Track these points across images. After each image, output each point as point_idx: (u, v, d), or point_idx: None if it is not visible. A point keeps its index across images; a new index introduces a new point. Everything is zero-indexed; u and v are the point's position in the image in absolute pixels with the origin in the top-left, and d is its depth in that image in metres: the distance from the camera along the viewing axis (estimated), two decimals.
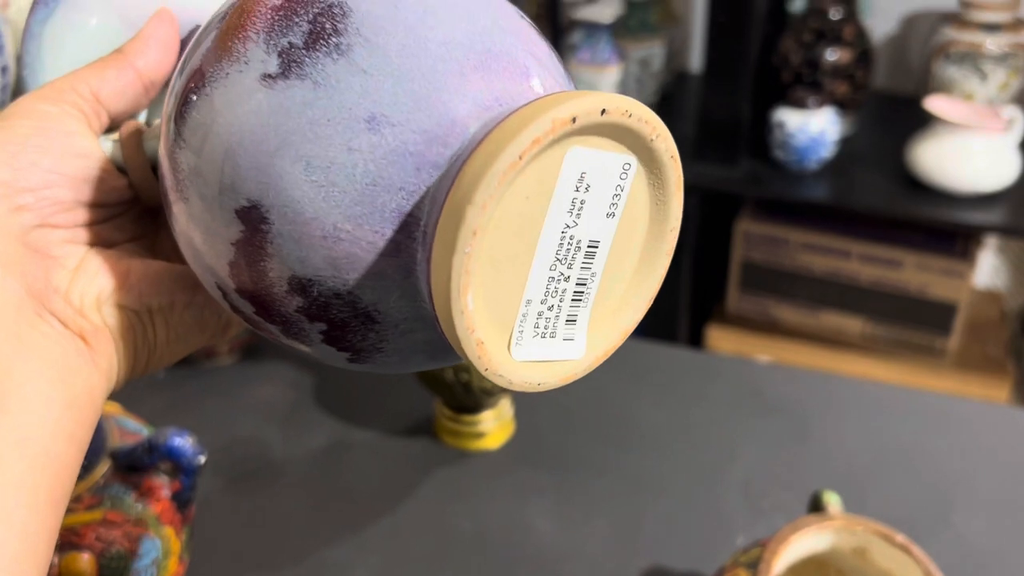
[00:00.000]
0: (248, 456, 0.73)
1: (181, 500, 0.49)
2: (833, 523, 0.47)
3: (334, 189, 0.26)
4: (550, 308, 0.28)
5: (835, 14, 1.66)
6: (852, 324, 1.77)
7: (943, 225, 1.54)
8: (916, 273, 1.67)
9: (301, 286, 0.28)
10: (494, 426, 0.72)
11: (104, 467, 0.47)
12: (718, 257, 1.95)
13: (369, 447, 0.74)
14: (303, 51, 0.27)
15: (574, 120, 0.24)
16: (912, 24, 1.90)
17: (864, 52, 1.68)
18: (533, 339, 0.28)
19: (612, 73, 1.70)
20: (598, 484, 0.69)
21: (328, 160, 0.26)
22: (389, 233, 0.27)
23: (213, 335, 0.35)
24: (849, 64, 1.67)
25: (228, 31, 0.28)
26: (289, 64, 0.27)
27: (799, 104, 1.58)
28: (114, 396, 0.84)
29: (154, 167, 0.34)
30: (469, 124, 0.27)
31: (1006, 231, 1.54)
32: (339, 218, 0.26)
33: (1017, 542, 0.63)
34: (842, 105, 1.70)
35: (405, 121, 0.26)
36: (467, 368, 0.65)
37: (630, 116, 0.26)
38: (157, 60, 0.34)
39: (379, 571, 0.62)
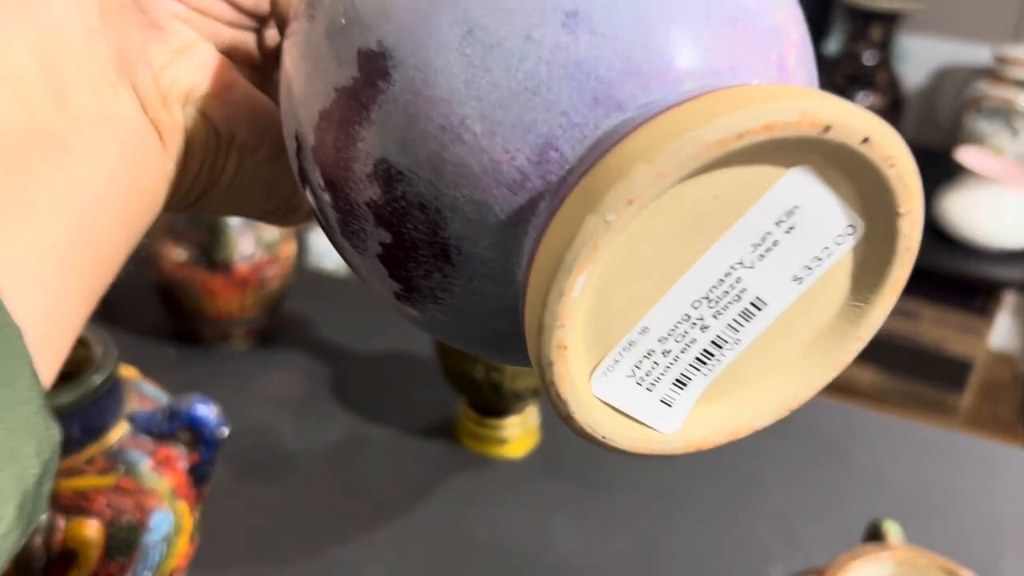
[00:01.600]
0: (259, 445, 0.70)
1: (198, 474, 0.46)
2: (894, 554, 0.44)
3: (485, 75, 0.20)
4: (665, 353, 0.21)
5: (869, 59, 1.65)
6: (864, 374, 1.74)
7: (966, 278, 1.52)
8: (933, 327, 1.64)
9: (387, 175, 0.22)
10: (519, 432, 0.68)
11: (121, 430, 0.44)
12: None
13: (385, 444, 0.70)
14: None
15: (826, 129, 0.18)
16: (944, 77, 1.89)
17: (896, 99, 1.67)
18: (625, 379, 0.21)
19: None
20: (623, 501, 0.66)
21: (496, 38, 0.20)
22: (522, 160, 0.20)
23: (275, 210, 0.30)
24: (881, 110, 1.66)
25: None
26: None
27: None
28: (127, 363, 0.81)
29: None
30: (685, 79, 0.20)
31: None
32: (473, 113, 0.20)
33: None
34: None
35: (612, 35, 0.20)
36: (500, 367, 0.62)
37: (893, 167, 0.19)
38: None
39: (389, 573, 0.59)
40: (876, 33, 1.62)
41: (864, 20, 1.61)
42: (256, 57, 0.30)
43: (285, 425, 0.72)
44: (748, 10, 0.21)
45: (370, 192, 0.22)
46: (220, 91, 0.27)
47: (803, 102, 0.18)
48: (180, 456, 0.45)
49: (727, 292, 0.20)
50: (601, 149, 0.19)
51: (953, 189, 1.54)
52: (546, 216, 0.20)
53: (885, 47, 1.65)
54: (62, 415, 0.40)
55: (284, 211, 0.31)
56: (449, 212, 0.21)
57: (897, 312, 1.66)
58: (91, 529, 0.40)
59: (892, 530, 0.47)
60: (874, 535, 0.48)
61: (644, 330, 0.21)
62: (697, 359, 0.22)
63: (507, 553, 0.61)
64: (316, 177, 0.24)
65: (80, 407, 0.41)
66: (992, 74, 1.65)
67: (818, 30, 1.77)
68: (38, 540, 0.39)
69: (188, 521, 0.45)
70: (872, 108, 1.66)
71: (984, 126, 1.64)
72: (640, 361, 0.21)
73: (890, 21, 1.61)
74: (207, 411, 0.45)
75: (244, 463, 0.68)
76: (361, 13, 0.22)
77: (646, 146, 0.18)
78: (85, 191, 0.24)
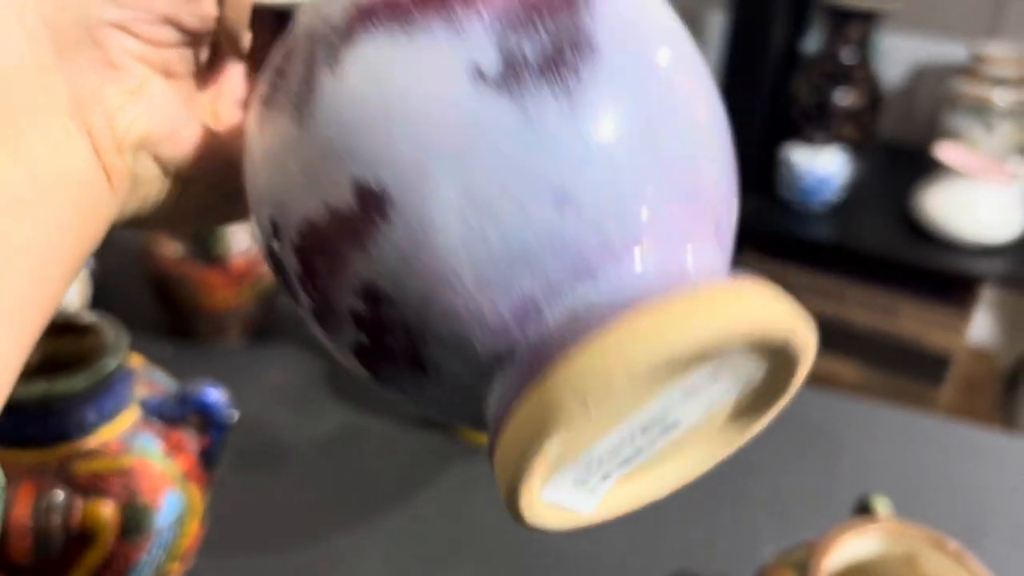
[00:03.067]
0: (256, 438, 0.70)
1: (209, 458, 0.47)
2: (883, 527, 0.46)
3: (479, 236, 0.22)
4: (600, 463, 0.25)
5: (847, 58, 1.67)
6: (845, 369, 1.77)
7: (945, 272, 1.55)
8: (912, 322, 1.67)
9: (375, 297, 0.23)
10: None
11: (133, 415, 0.45)
12: None
13: (383, 437, 0.71)
14: (530, 70, 0.22)
15: (760, 336, 0.22)
16: (921, 74, 1.92)
17: (874, 96, 1.70)
18: (565, 485, 0.25)
19: None
20: None
21: (490, 205, 0.22)
22: (505, 312, 0.23)
23: (207, 227, 0.31)
24: (859, 107, 1.69)
25: None
26: (509, 75, 0.22)
27: (808, 144, 1.59)
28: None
29: (256, 12, 0.28)
30: (650, 251, 0.23)
31: (1008, 282, 1.54)
32: (465, 268, 0.22)
33: None
34: (849, 148, 1.71)
35: (594, 216, 0.22)
36: None
37: (803, 351, 0.24)
38: None
39: (388, 564, 0.60)
40: (854, 32, 1.65)
41: (842, 19, 1.64)
42: (191, 68, 0.29)
43: (282, 418, 0.73)
44: (699, 189, 0.25)
45: (354, 303, 0.24)
46: (172, 133, 0.27)
47: (744, 319, 0.22)
48: (191, 440, 0.46)
49: (657, 421, 0.25)
50: (579, 322, 0.22)
51: (930, 185, 1.57)
52: (523, 366, 0.23)
53: (863, 45, 1.68)
54: (77, 400, 0.41)
55: (216, 225, 0.31)
56: (431, 339, 0.23)
57: (876, 307, 1.69)
58: (107, 510, 0.41)
59: (881, 504, 0.49)
60: (863, 510, 0.49)
61: (589, 454, 0.24)
62: (622, 462, 0.26)
63: (504, 543, 0.62)
64: (294, 267, 0.25)
65: (94, 392, 0.42)
66: (968, 71, 1.68)
67: (796, 29, 1.80)
68: (57, 520, 0.39)
69: (199, 503, 0.46)
70: (850, 106, 1.68)
71: (961, 122, 1.67)
72: (581, 472, 0.25)
73: (868, 20, 1.64)
74: (217, 396, 0.46)
75: (242, 456, 0.69)
76: (359, 149, 0.23)
77: (624, 349, 0.21)
78: (36, 246, 0.23)
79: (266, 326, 0.84)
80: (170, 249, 0.76)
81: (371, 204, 0.23)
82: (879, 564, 0.48)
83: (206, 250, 0.75)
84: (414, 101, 0.22)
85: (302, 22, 0.26)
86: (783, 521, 0.65)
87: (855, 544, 0.46)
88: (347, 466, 0.69)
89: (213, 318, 0.79)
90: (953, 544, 0.45)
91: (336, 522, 0.63)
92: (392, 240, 0.22)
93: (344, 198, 0.23)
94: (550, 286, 0.22)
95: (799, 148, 1.60)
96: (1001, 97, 1.64)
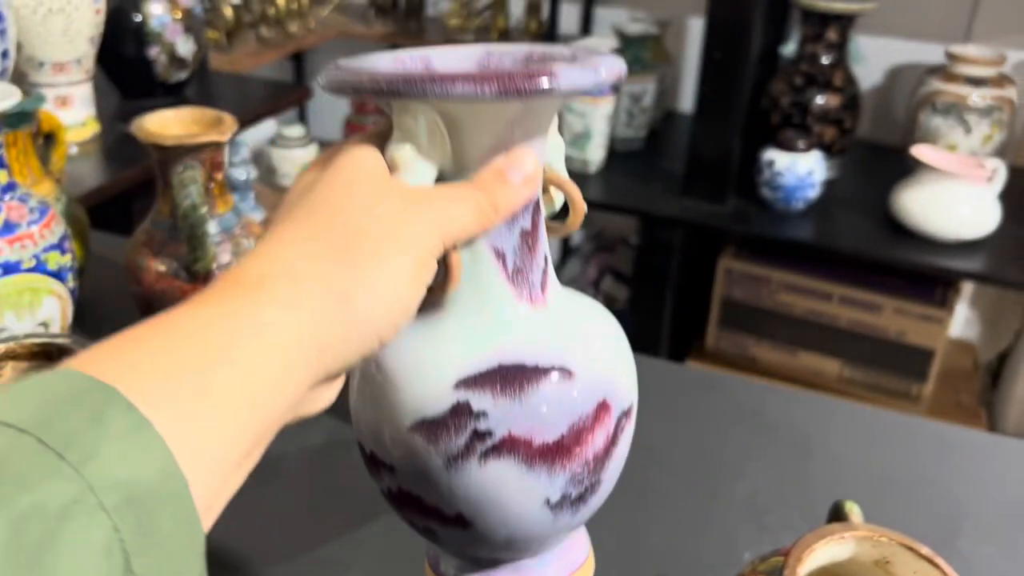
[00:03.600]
0: None
1: None
2: (857, 533, 0.47)
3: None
4: None
5: (826, 60, 1.69)
6: (829, 366, 1.78)
7: (924, 269, 1.57)
8: (894, 318, 1.69)
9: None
10: None
11: None
12: (699, 293, 1.96)
13: None
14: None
15: None
16: (898, 76, 1.94)
17: (852, 97, 1.71)
18: None
19: (605, 106, 1.71)
20: None
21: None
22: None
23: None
24: (837, 108, 1.70)
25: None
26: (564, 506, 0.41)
27: (787, 145, 1.60)
28: None
29: None
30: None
31: (985, 278, 1.56)
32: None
33: None
34: (828, 149, 1.73)
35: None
36: None
37: None
38: None
39: (375, 574, 0.60)
40: (832, 34, 1.66)
41: (820, 21, 1.65)
42: None
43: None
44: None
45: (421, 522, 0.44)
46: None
47: None
48: None
49: None
50: None
51: (910, 185, 1.59)
52: None
53: (841, 48, 1.69)
54: None
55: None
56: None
57: (859, 304, 1.70)
58: None
59: (855, 510, 0.50)
60: (837, 516, 0.50)
61: None
62: None
63: None
64: (385, 477, 0.43)
65: None
66: (944, 72, 1.70)
67: (775, 32, 1.81)
68: None
69: None
70: (829, 107, 1.70)
71: (938, 122, 1.69)
72: None
73: (845, 22, 1.65)
74: None
75: None
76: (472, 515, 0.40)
77: None
78: (273, 422, 0.32)
79: None
80: (155, 267, 0.76)
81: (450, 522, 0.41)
82: (851, 568, 0.49)
83: (190, 267, 0.75)
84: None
85: None
86: (762, 525, 0.66)
87: (830, 549, 0.47)
88: (332, 476, 0.69)
89: None
90: (926, 548, 0.46)
91: (322, 532, 0.63)
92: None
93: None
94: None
95: (779, 150, 1.61)
96: (979, 96, 1.66)
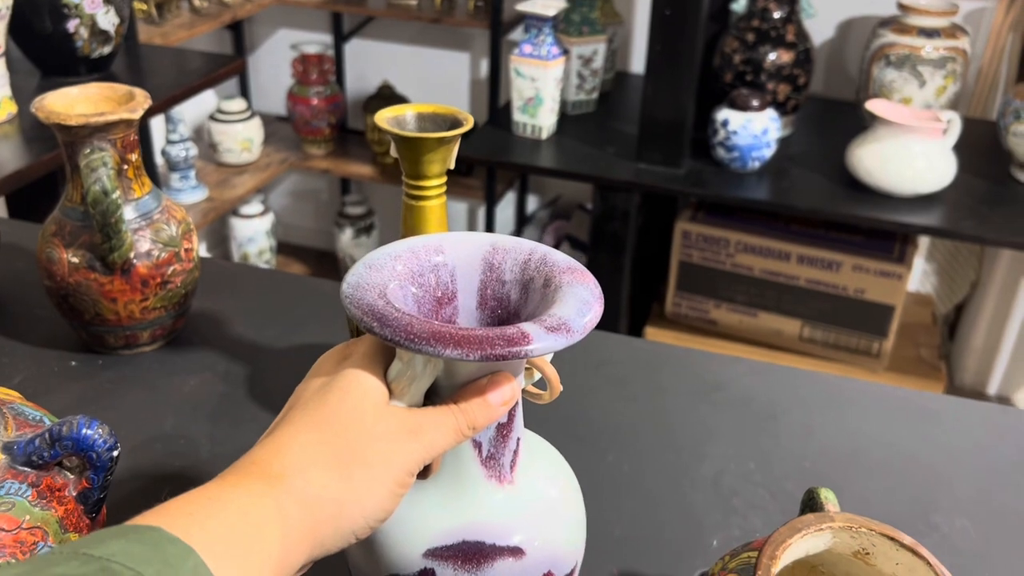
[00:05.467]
0: (172, 454, 0.65)
1: (90, 502, 0.42)
2: (834, 524, 0.43)
3: None
4: None
5: (778, 14, 1.65)
6: (790, 326, 1.76)
7: (882, 225, 1.54)
8: (853, 275, 1.67)
9: None
10: None
11: None
12: (656, 258, 1.92)
13: None
14: None
15: None
16: (850, 29, 1.90)
17: (806, 52, 1.68)
18: None
19: (556, 68, 1.66)
20: None
21: None
22: None
23: None
24: (791, 65, 1.66)
25: None
26: None
27: (741, 104, 1.56)
28: (21, 384, 0.75)
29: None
30: None
31: (944, 233, 1.54)
32: None
33: (1003, 543, 0.60)
34: (782, 107, 1.69)
35: None
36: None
37: None
38: None
39: None
40: None
41: None
42: None
43: (199, 431, 0.68)
44: None
45: None
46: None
47: None
48: (68, 483, 0.41)
49: None
50: None
51: (865, 139, 1.56)
52: None
53: (792, 2, 1.65)
54: None
55: None
56: None
57: (818, 263, 1.68)
58: None
59: (830, 499, 0.46)
60: (811, 505, 0.46)
61: None
62: None
63: None
64: None
65: None
66: (897, 23, 1.66)
67: None
68: None
69: None
70: (782, 63, 1.66)
71: (893, 75, 1.66)
72: None
73: None
74: (93, 433, 0.41)
75: (157, 475, 0.64)
76: None
77: None
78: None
79: (179, 332, 0.79)
80: (67, 258, 0.70)
81: None
82: (828, 559, 0.45)
83: (105, 257, 0.69)
84: None
85: None
86: (729, 508, 0.62)
87: (804, 544, 0.43)
88: None
89: (120, 328, 0.74)
90: (907, 537, 0.42)
91: None
92: None
93: None
94: None
95: (732, 109, 1.57)
96: (931, 48, 1.63)
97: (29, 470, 0.40)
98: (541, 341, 0.37)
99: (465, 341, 0.36)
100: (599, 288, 0.42)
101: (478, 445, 0.42)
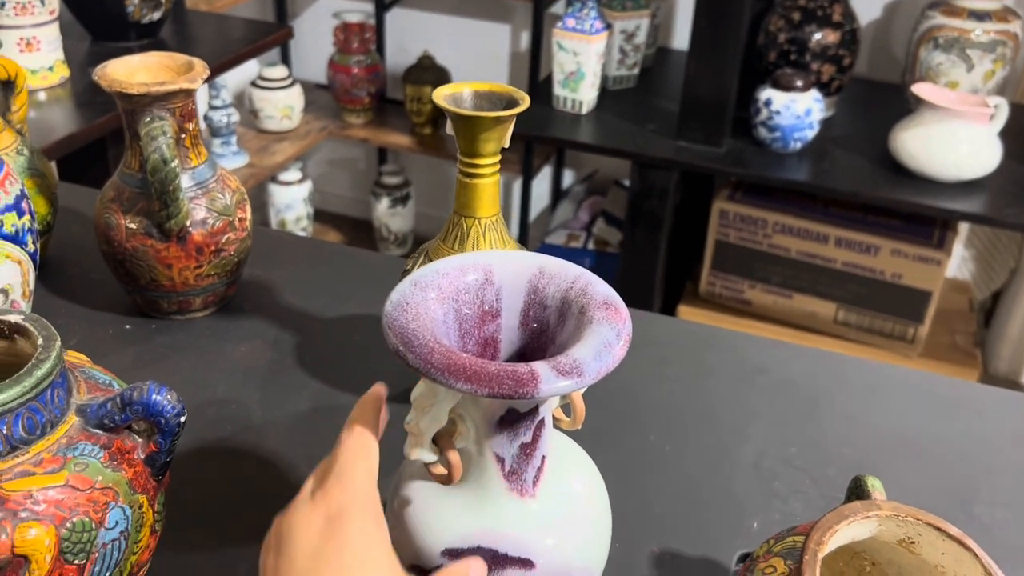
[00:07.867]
0: (224, 419, 0.67)
1: (156, 464, 0.44)
2: (880, 512, 0.43)
3: None
4: None
5: None
6: (825, 308, 1.75)
7: (923, 210, 1.53)
8: (891, 260, 1.65)
9: None
10: None
11: (70, 424, 0.41)
12: (693, 236, 1.92)
13: None
14: None
15: None
16: (897, 10, 1.87)
17: (851, 33, 1.65)
18: None
19: (599, 43, 1.65)
20: (602, 461, 0.65)
21: None
22: None
23: None
24: (836, 45, 1.64)
25: None
26: None
27: (785, 84, 1.55)
28: (77, 346, 0.77)
29: None
30: None
31: (986, 220, 1.52)
32: None
33: None
34: (826, 88, 1.67)
35: None
36: None
37: None
38: None
39: None
40: None
41: None
42: None
43: (250, 396, 0.70)
44: None
45: None
46: None
47: None
48: (136, 447, 0.43)
49: None
50: None
51: (909, 123, 1.54)
52: None
53: None
54: (5, 412, 0.38)
55: None
56: None
57: (856, 246, 1.67)
58: (40, 534, 0.37)
59: (877, 486, 0.46)
60: (857, 492, 0.47)
61: None
62: None
63: None
64: None
65: (24, 404, 0.38)
66: (946, 5, 1.64)
67: None
68: None
69: (149, 513, 0.43)
70: (827, 43, 1.64)
71: (939, 58, 1.64)
72: None
73: None
74: (163, 399, 0.42)
75: (210, 437, 0.65)
76: None
77: None
78: None
79: (231, 300, 0.80)
80: (125, 224, 0.72)
81: None
82: (872, 545, 0.46)
83: (163, 224, 0.71)
84: None
85: None
86: (771, 492, 0.63)
87: (850, 531, 0.44)
88: (319, 443, 0.66)
89: (174, 294, 0.75)
90: (954, 528, 0.43)
91: None
92: None
93: None
94: None
95: (776, 89, 1.56)
96: (980, 31, 1.60)
97: (101, 432, 0.42)
98: (549, 384, 0.38)
99: (476, 377, 0.38)
100: (629, 326, 0.42)
101: (501, 460, 0.44)
